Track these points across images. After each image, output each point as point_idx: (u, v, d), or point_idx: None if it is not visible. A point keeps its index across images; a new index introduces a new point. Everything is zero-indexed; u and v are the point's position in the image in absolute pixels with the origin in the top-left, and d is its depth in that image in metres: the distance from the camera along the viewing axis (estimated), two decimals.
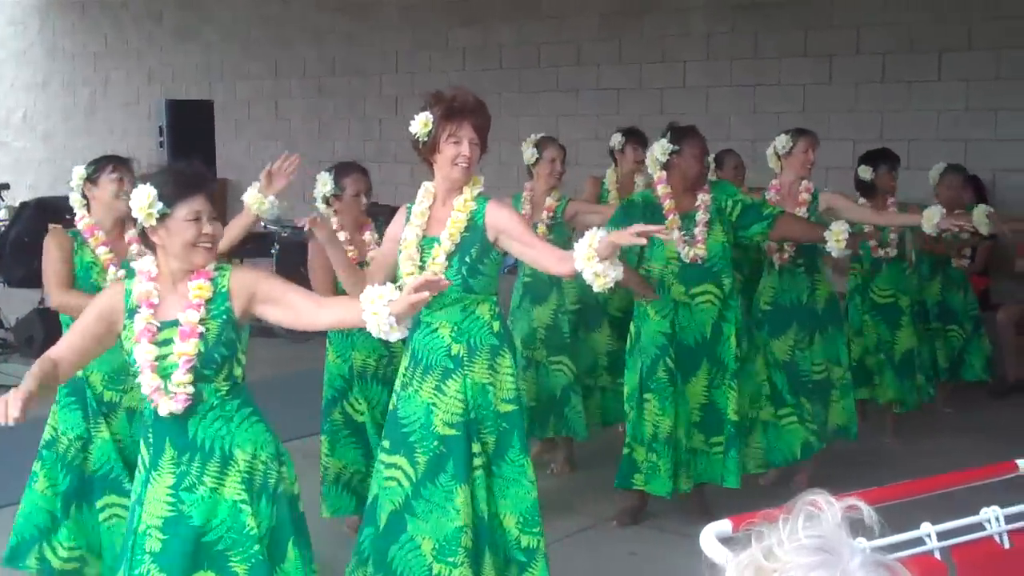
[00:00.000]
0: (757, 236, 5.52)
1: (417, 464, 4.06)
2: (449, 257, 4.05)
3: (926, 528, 2.52)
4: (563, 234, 6.23)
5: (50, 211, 9.32)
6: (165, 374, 3.31)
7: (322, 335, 5.29)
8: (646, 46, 11.17)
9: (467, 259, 4.04)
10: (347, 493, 5.33)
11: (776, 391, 5.55)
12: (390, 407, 4.25)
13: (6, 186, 12.59)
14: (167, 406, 3.30)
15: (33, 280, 8.34)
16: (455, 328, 4.05)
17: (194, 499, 3.34)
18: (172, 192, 3.31)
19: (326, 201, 5.36)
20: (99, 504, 4.50)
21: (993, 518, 2.62)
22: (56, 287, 4.57)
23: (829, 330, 6.26)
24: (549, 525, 4.41)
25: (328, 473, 5.33)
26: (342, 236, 5.21)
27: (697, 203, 5.44)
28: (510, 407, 4.09)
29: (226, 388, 3.35)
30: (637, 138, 7.16)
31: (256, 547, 3.30)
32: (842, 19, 9.98)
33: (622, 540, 5.50)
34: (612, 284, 3.77)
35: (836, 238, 5.45)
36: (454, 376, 4.04)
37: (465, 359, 4.04)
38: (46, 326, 8.73)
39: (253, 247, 10.06)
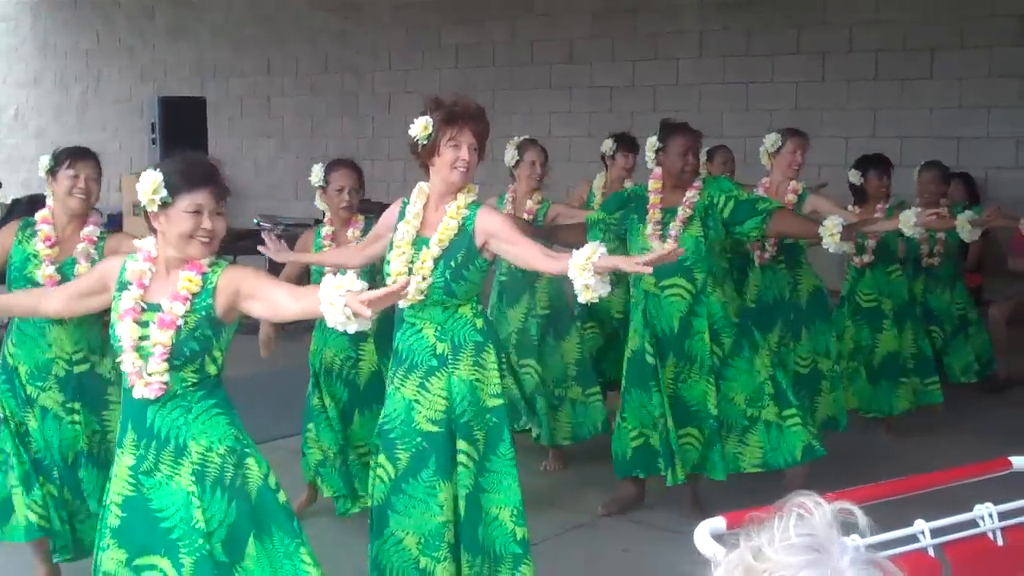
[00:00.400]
0: (752, 232, 5.44)
1: (398, 460, 4.11)
2: (435, 261, 4.10)
3: (920, 525, 2.52)
4: (543, 241, 6.28)
5: (42, 208, 9.32)
6: (142, 357, 3.34)
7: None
8: (639, 44, 11.17)
9: (452, 264, 4.09)
10: (334, 473, 5.42)
11: (780, 391, 5.50)
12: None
13: None
14: (141, 391, 3.34)
15: None
16: (439, 328, 4.11)
17: (152, 483, 3.37)
18: (178, 182, 3.34)
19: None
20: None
21: (987, 515, 2.62)
22: None
23: (816, 323, 6.29)
24: (541, 522, 4.43)
25: (313, 456, 5.46)
26: (328, 229, 5.46)
27: (683, 199, 5.45)
28: (497, 401, 4.13)
29: (193, 380, 3.36)
30: (628, 145, 7.22)
31: (200, 541, 3.30)
32: (834, 17, 9.99)
33: (615, 537, 5.50)
34: (596, 299, 3.80)
35: (830, 232, 5.38)
36: (438, 374, 4.09)
37: (450, 357, 4.09)
38: None
39: (245, 244, 10.05)
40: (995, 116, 9.26)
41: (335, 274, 3.15)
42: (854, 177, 7.00)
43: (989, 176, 9.27)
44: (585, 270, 3.74)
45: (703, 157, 6.11)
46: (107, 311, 3.53)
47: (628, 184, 7.01)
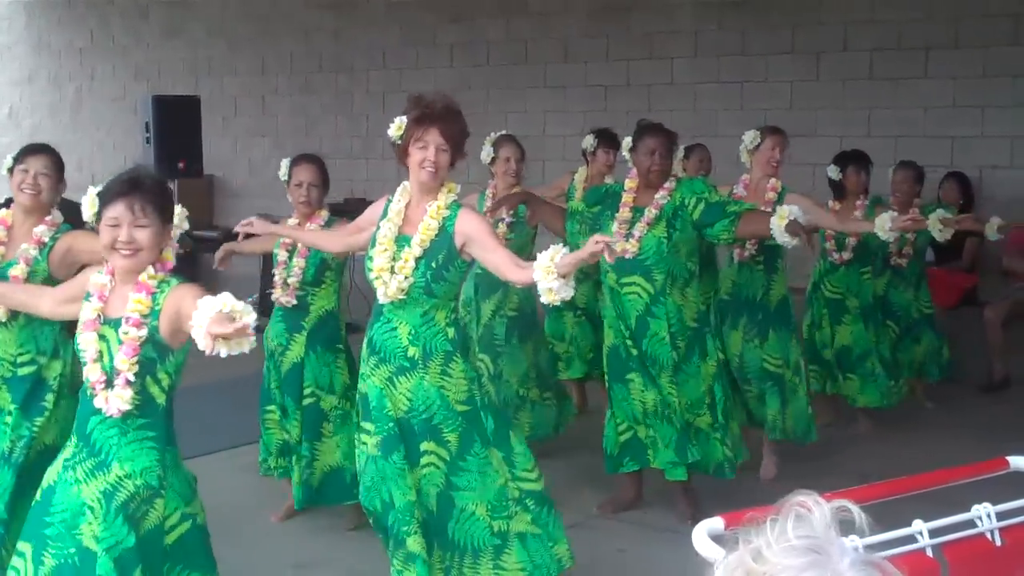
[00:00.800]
0: (722, 235, 5.38)
1: (373, 439, 4.23)
2: (417, 261, 4.17)
3: (918, 525, 2.52)
4: (523, 233, 6.35)
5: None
6: (104, 370, 3.43)
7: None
8: (633, 43, 11.16)
9: (433, 264, 4.16)
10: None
11: (715, 403, 5.53)
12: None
13: None
14: (100, 403, 3.41)
15: None
16: (413, 331, 4.19)
17: (65, 480, 3.46)
18: (102, 196, 3.50)
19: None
20: None
21: (984, 515, 2.62)
22: None
23: (780, 331, 6.30)
24: None
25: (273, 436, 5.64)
26: (292, 221, 5.58)
27: (653, 200, 5.46)
28: (465, 407, 4.21)
29: (136, 402, 3.41)
30: (609, 141, 7.25)
31: (71, 549, 3.38)
32: (829, 16, 9.99)
33: (611, 536, 5.50)
34: (559, 301, 3.88)
35: (780, 217, 5.25)
36: (408, 375, 4.20)
37: (420, 362, 4.19)
38: None
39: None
40: (989, 116, 9.26)
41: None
42: (833, 172, 7.15)
43: (983, 175, 9.28)
44: (549, 273, 3.82)
45: (680, 155, 6.12)
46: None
47: (609, 180, 7.11)
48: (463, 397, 4.21)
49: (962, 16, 9.34)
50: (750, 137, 6.31)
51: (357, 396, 4.44)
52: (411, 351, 4.18)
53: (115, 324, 3.43)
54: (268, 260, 5.84)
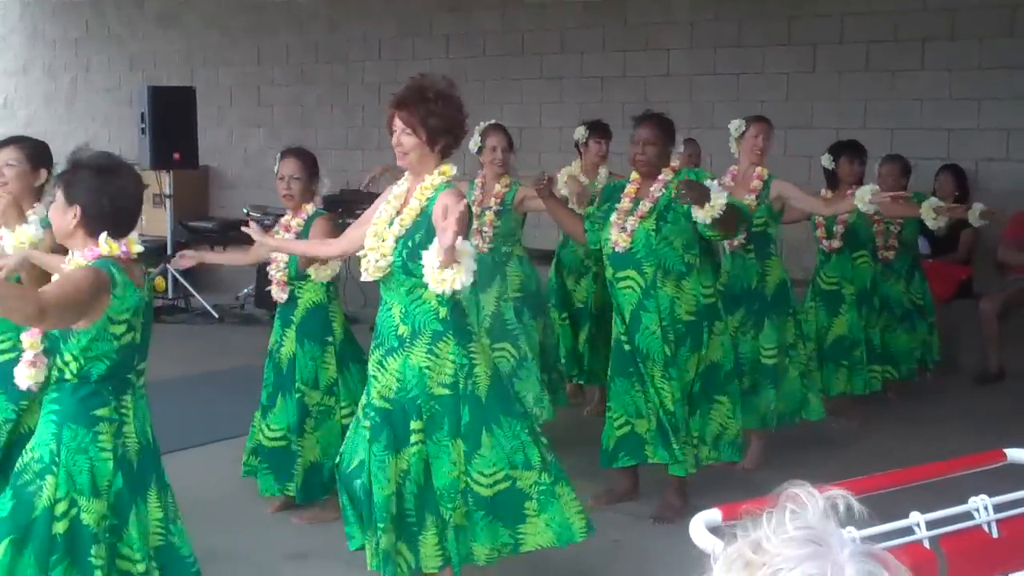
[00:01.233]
0: (707, 231, 5.35)
1: (366, 427, 4.30)
2: (396, 240, 4.24)
3: (915, 517, 2.52)
4: (510, 220, 6.37)
5: None
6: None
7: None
8: (630, 34, 11.14)
9: (409, 243, 4.21)
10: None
11: (692, 396, 5.54)
12: None
13: None
14: (19, 378, 3.69)
15: None
16: (403, 310, 4.24)
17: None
18: None
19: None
20: None
21: (982, 507, 2.63)
22: None
23: (779, 316, 6.31)
24: None
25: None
26: (285, 218, 5.66)
27: (649, 192, 5.48)
28: (444, 391, 4.21)
29: (55, 377, 3.57)
30: (600, 132, 7.30)
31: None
32: (826, 7, 9.98)
33: (606, 527, 5.49)
34: (450, 291, 4.01)
35: (711, 203, 5.17)
36: (396, 354, 4.24)
37: (408, 341, 4.22)
38: None
39: (236, 234, 10.05)
40: (986, 108, 9.26)
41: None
42: (826, 161, 7.22)
43: (980, 167, 9.27)
44: (435, 270, 3.97)
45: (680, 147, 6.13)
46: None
47: (602, 171, 7.26)
48: (446, 380, 4.20)
49: (959, 8, 9.33)
50: (735, 126, 6.37)
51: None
52: (401, 329, 4.22)
53: None
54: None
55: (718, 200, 5.16)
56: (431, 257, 3.98)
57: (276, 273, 5.50)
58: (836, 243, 7.06)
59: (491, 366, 4.35)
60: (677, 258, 5.43)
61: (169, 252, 10.67)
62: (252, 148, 14.29)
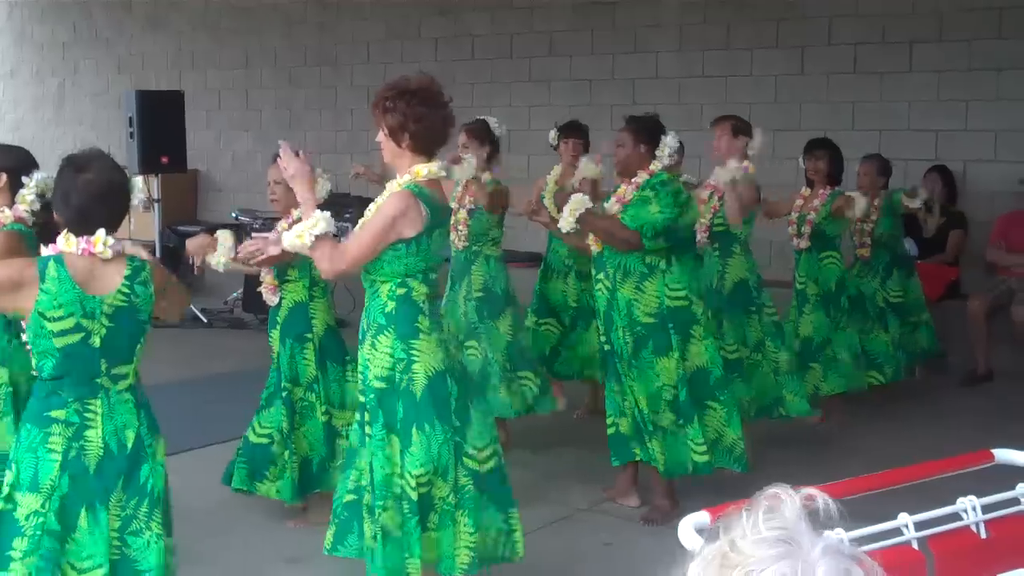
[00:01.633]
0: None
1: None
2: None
3: (903, 519, 2.53)
4: (482, 220, 6.35)
5: None
6: None
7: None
8: (618, 37, 11.16)
9: None
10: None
11: (677, 402, 5.50)
12: None
13: None
14: None
15: None
16: (367, 305, 4.30)
17: None
18: None
19: None
20: None
21: (970, 508, 2.63)
22: None
23: (733, 316, 6.32)
24: (523, 515, 4.41)
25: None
26: (280, 223, 5.60)
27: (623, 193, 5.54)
28: (380, 384, 4.22)
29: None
30: (571, 132, 7.36)
31: None
32: (814, 10, 10.00)
33: (597, 530, 5.50)
34: (298, 243, 4.14)
35: (570, 212, 5.36)
36: (360, 347, 4.32)
37: (365, 332, 4.29)
38: None
39: None
40: (973, 109, 9.28)
41: None
42: (801, 161, 7.30)
43: (967, 169, 9.30)
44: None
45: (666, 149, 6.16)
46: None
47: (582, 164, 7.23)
48: (382, 374, 4.20)
49: (946, 10, 9.36)
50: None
51: None
52: (364, 323, 4.29)
53: None
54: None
55: (574, 207, 5.32)
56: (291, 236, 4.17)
57: (266, 276, 5.51)
58: (804, 243, 7.09)
59: (439, 367, 4.20)
60: (637, 260, 5.46)
61: (157, 256, 10.65)
62: (240, 151, 14.27)
